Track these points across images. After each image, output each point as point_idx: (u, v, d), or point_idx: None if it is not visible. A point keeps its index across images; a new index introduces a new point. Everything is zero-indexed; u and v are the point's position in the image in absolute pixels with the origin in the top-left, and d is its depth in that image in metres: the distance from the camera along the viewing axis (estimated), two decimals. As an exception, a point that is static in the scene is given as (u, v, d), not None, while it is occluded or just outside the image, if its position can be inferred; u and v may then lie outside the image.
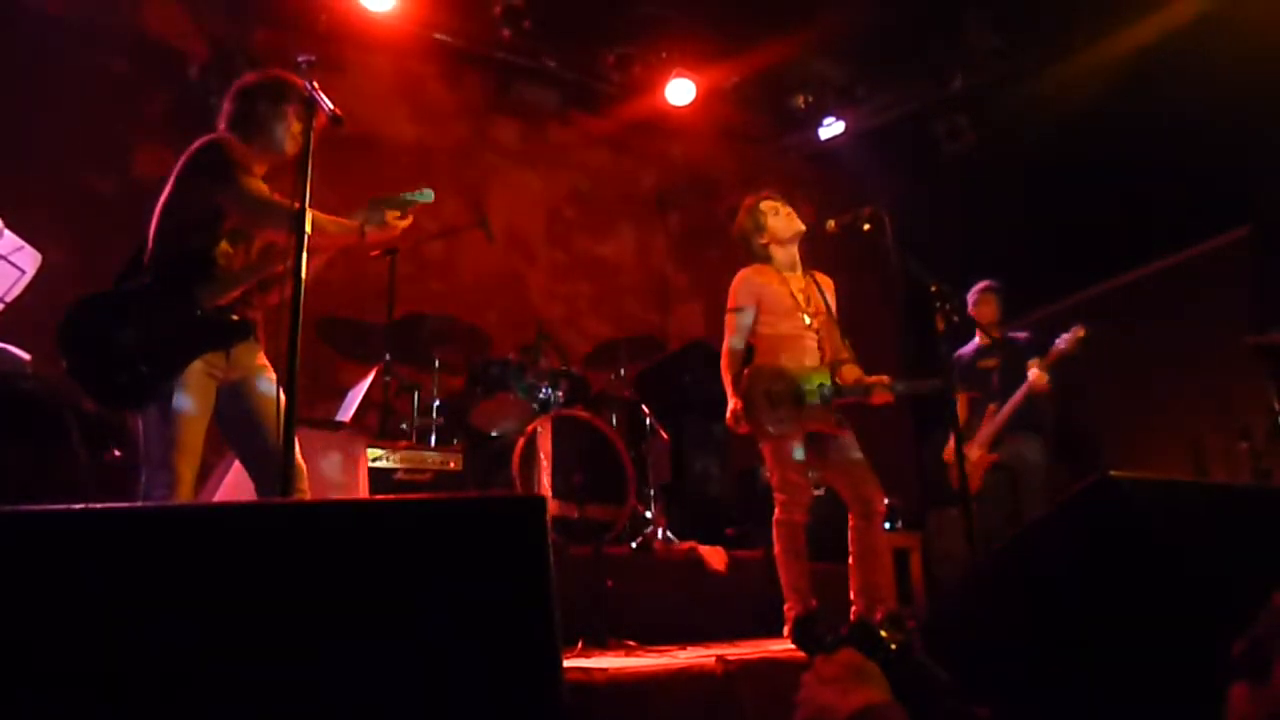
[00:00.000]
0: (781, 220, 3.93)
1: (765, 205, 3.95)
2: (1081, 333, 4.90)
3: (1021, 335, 5.36)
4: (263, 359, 3.01)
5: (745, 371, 3.78)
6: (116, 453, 3.91)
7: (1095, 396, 6.80)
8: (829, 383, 3.72)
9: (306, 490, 2.88)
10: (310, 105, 2.66)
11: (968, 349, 5.42)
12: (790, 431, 3.63)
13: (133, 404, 2.81)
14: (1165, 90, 5.76)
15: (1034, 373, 4.94)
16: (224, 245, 2.93)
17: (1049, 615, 1.56)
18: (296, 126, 3.00)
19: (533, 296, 7.04)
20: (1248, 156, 5.77)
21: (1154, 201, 6.31)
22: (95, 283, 2.87)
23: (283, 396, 2.59)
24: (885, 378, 3.78)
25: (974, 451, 5.10)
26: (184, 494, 2.75)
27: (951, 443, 5.20)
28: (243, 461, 2.98)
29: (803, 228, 3.94)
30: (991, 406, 5.12)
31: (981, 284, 5.41)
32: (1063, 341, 4.93)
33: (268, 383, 2.93)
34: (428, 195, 2.98)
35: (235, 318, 2.90)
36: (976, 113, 7.18)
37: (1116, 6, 6.01)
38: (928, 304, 3.70)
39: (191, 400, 2.80)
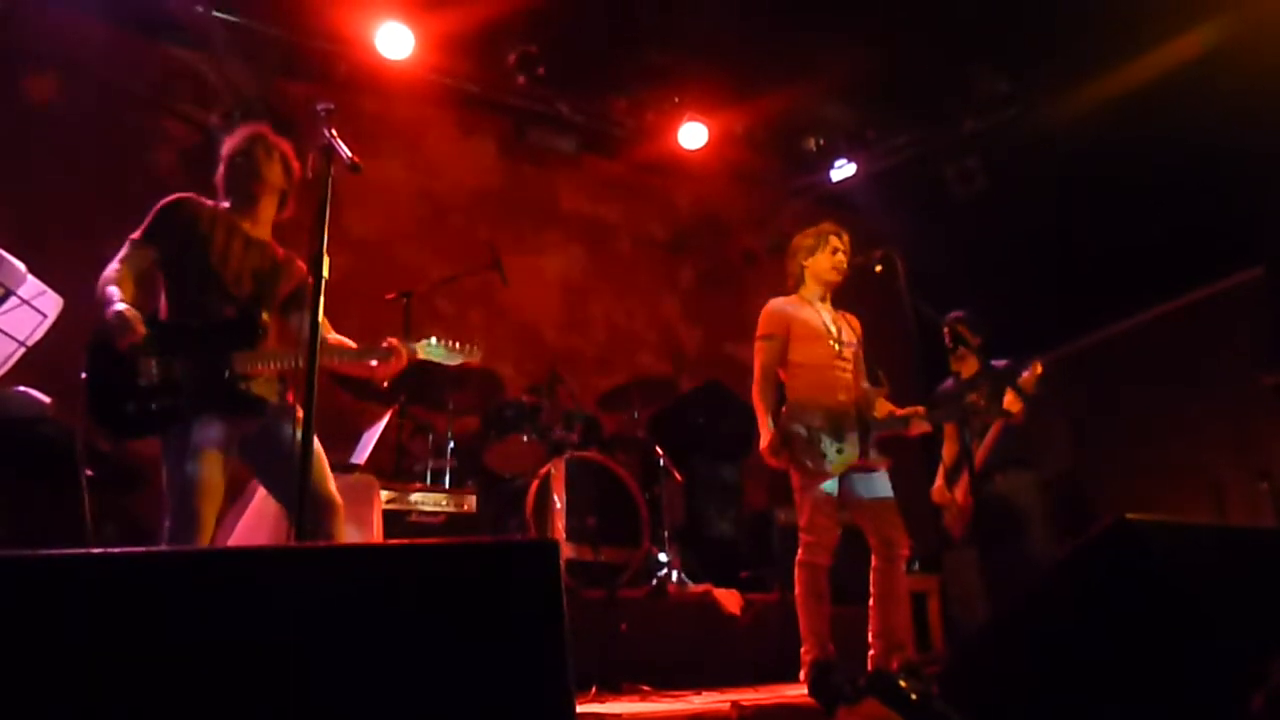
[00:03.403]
0: (835, 259, 3.90)
1: (834, 239, 3.93)
2: (1039, 369, 4.73)
3: (1001, 363, 5.19)
4: (289, 398, 3.05)
5: (783, 409, 3.75)
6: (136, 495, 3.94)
7: (1114, 438, 6.76)
8: (864, 419, 3.70)
9: (341, 528, 2.90)
10: (328, 154, 2.71)
11: (950, 384, 5.25)
12: (830, 470, 3.61)
13: (130, 435, 2.86)
14: (1177, 129, 5.77)
15: (1009, 398, 4.69)
16: (265, 315, 3.01)
17: (1066, 663, 1.54)
18: (266, 169, 3.13)
19: (546, 339, 7.07)
20: (1261, 195, 5.77)
21: (1168, 240, 6.31)
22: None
23: (300, 434, 2.60)
24: (920, 408, 3.76)
25: (959, 493, 4.92)
26: (204, 536, 2.77)
27: (939, 482, 5.05)
28: (279, 500, 3.01)
29: (838, 281, 3.92)
30: (976, 443, 4.94)
31: (950, 314, 5.24)
32: (1023, 379, 4.62)
33: (291, 423, 2.93)
34: (475, 355, 3.17)
35: (253, 393, 2.93)
36: (987, 154, 7.22)
37: (1124, 46, 6.05)
38: (940, 345, 3.71)
39: (210, 446, 2.84)
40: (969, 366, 5.11)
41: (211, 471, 2.82)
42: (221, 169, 3.18)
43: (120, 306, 2.77)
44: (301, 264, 3.24)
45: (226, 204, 3.17)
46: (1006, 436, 4.84)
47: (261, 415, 2.95)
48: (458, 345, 3.13)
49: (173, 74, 5.99)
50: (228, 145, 3.18)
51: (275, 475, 2.98)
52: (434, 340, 3.13)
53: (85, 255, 3.15)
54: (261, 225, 3.19)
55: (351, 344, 3.11)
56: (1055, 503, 5.14)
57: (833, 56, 6.44)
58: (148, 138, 5.80)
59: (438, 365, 5.12)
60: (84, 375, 2.82)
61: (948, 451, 5.18)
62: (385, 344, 3.04)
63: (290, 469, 2.79)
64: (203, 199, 3.13)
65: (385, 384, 3.19)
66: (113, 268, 2.93)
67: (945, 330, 3.75)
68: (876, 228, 7.27)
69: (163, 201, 3.05)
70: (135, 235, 3.01)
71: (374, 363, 3.08)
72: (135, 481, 4.10)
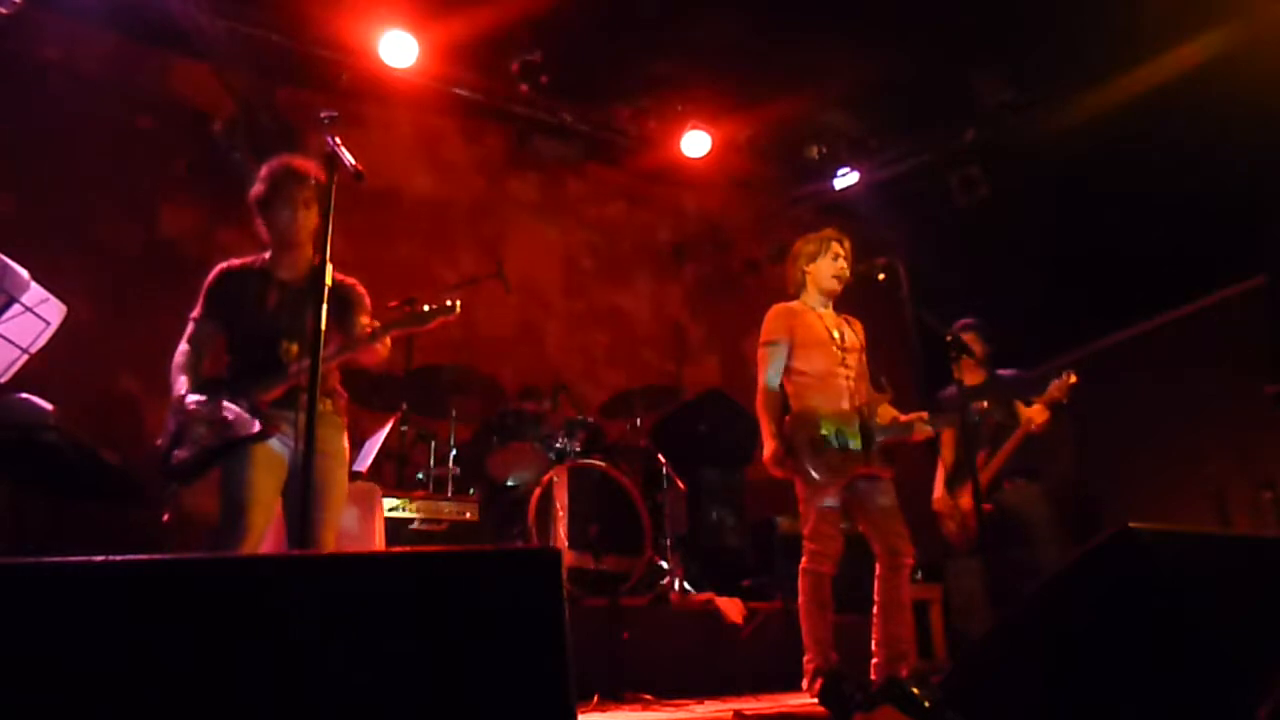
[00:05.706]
0: (836, 266, 3.89)
1: (835, 245, 3.91)
2: (1072, 379, 4.76)
3: (1008, 372, 5.16)
4: (340, 441, 3.12)
5: (787, 419, 3.74)
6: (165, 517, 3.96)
7: (1116, 447, 6.74)
8: (868, 426, 3.70)
9: None
10: (331, 161, 2.72)
11: (952, 391, 5.23)
12: (835, 480, 3.60)
13: (193, 476, 2.95)
14: (1180, 138, 5.77)
15: (1036, 409, 4.77)
16: (285, 343, 3.06)
17: (1070, 671, 1.53)
18: (304, 219, 3.13)
19: (549, 347, 7.07)
20: (1263, 204, 5.77)
21: (1170, 249, 6.30)
22: (118, 336, 2.93)
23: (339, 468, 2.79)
24: (923, 414, 3.76)
25: (965, 500, 4.91)
26: (251, 547, 2.87)
27: (939, 490, 5.08)
28: (285, 520, 3.07)
29: (838, 289, 3.92)
30: (983, 453, 4.93)
31: (959, 322, 5.17)
32: (1054, 388, 4.76)
33: (330, 459, 3.02)
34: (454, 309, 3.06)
35: (258, 423, 2.97)
36: (990, 162, 7.22)
37: (1126, 54, 6.06)
38: (943, 353, 3.70)
39: (261, 468, 2.94)
40: (973, 375, 5.09)
41: (262, 493, 2.93)
42: (259, 221, 3.16)
43: (182, 393, 2.96)
44: (350, 281, 3.26)
45: (266, 255, 3.19)
46: (1022, 445, 4.84)
47: (262, 440, 2.98)
48: (430, 308, 3.05)
49: (178, 82, 6.02)
50: (262, 193, 3.13)
51: (288, 501, 3.06)
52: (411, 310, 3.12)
53: (89, 264, 3.15)
54: (302, 258, 3.20)
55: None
56: (1063, 512, 5.13)
57: (835, 65, 6.46)
58: (153, 146, 5.81)
59: (439, 374, 5.17)
60: (158, 442, 2.99)
61: (945, 459, 5.17)
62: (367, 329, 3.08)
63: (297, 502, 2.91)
64: (242, 262, 3.19)
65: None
66: (181, 350, 3.10)
67: (948, 338, 3.74)
68: (879, 235, 7.28)
69: (210, 277, 3.16)
70: (195, 314, 3.14)
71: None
72: (137, 496, 4.10)
